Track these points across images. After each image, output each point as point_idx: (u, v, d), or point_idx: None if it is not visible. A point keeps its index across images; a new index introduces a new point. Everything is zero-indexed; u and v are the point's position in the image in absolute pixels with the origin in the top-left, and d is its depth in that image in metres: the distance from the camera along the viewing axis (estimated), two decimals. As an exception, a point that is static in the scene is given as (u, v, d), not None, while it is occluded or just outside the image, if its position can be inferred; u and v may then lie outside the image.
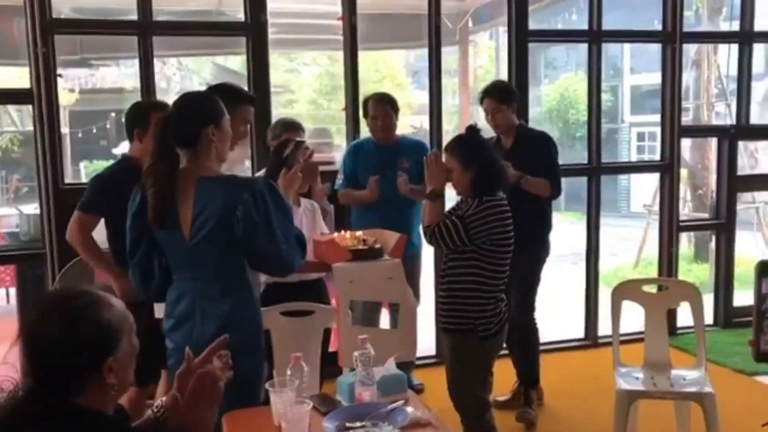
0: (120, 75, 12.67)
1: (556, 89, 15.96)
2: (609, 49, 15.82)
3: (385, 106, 4.29)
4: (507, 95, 4.22)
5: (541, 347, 4.65)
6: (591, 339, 5.41)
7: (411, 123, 13.67)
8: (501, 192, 3.13)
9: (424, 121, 4.73)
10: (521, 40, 5.02)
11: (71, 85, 11.55)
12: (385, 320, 3.56)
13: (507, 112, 4.18)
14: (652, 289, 3.88)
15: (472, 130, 3.15)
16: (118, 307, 1.55)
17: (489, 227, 3.02)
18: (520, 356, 4.34)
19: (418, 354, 4.70)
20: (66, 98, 10.69)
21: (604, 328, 4.99)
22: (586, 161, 5.41)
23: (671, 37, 5.34)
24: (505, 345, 4.38)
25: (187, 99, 2.58)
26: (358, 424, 2.08)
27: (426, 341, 4.61)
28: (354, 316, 3.24)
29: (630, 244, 10.01)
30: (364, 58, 15.09)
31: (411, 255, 4.02)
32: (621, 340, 4.08)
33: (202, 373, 1.64)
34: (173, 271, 2.53)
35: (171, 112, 2.49)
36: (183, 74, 13.65)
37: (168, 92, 10.96)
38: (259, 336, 2.57)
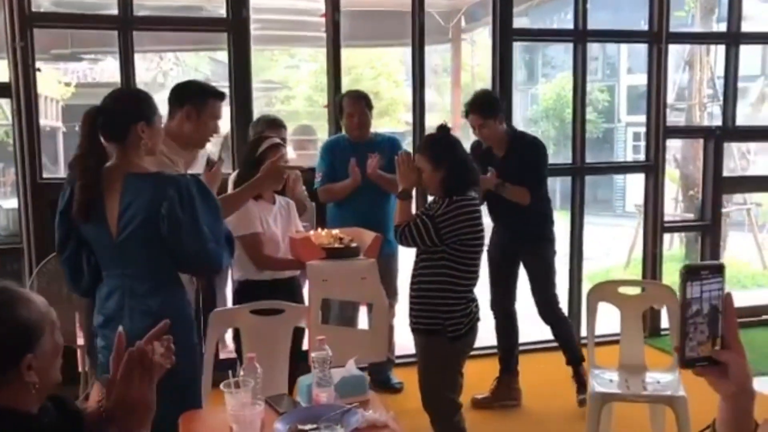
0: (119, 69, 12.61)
1: (553, 88, 15.91)
2: (606, 49, 15.81)
3: (360, 103, 4.24)
4: (492, 109, 4.12)
5: (523, 347, 4.65)
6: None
7: (407, 120, 13.67)
8: (473, 192, 3.09)
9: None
10: (505, 38, 4.97)
11: (69, 78, 11.52)
12: (360, 320, 3.53)
13: (494, 125, 4.11)
14: (631, 290, 3.84)
15: (443, 130, 3.11)
16: (38, 304, 1.51)
17: (459, 227, 2.99)
18: (561, 347, 4.41)
19: (399, 353, 4.70)
20: (61, 92, 10.64)
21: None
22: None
23: (657, 38, 5.29)
24: (496, 342, 4.43)
25: (119, 94, 2.56)
26: (309, 426, 2.05)
27: (406, 340, 4.58)
28: (329, 315, 3.21)
29: (623, 244, 9.97)
30: (360, 55, 14.99)
31: (387, 253, 3.98)
32: (603, 341, 4.07)
33: (131, 350, 1.62)
34: (102, 268, 2.51)
35: (101, 106, 2.46)
36: (181, 69, 13.64)
37: (165, 87, 10.92)
38: (189, 335, 2.52)
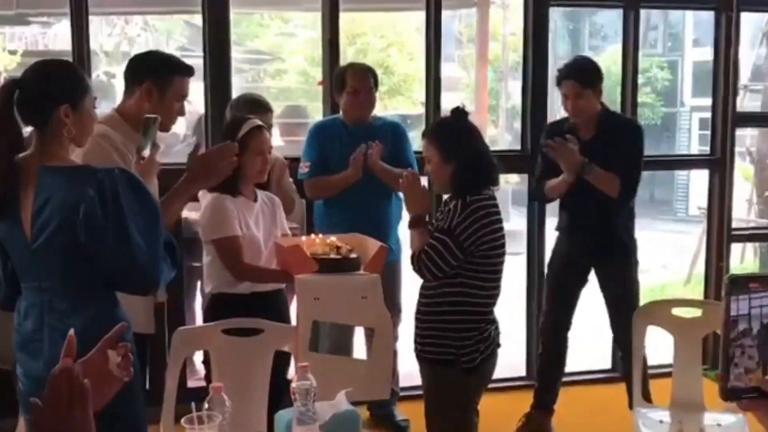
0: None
1: (602, 63, 15.82)
2: (669, 16, 15.70)
3: (366, 78, 4.25)
4: (592, 77, 4.20)
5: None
6: (619, 370, 5.35)
7: (423, 100, 13.66)
8: (490, 190, 3.08)
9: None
10: (541, 2, 4.98)
11: (15, 45, 11.57)
12: (357, 348, 3.52)
13: (591, 98, 4.17)
14: (688, 312, 3.83)
15: (459, 113, 3.11)
16: None
17: (479, 235, 3.00)
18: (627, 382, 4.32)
19: (404, 383, 4.71)
20: (4, 62, 10.70)
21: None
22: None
23: (726, 4, 5.27)
24: (537, 375, 4.41)
25: (41, 69, 2.47)
26: (286, 471, 2.06)
27: (413, 368, 4.58)
28: (319, 341, 3.18)
29: (685, 255, 9.94)
30: (367, 20, 14.97)
31: (389, 261, 3.97)
32: (652, 373, 4.06)
33: (54, 373, 1.57)
34: (20, 278, 2.48)
35: (20, 80, 2.42)
36: (150, 35, 13.67)
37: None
38: None
